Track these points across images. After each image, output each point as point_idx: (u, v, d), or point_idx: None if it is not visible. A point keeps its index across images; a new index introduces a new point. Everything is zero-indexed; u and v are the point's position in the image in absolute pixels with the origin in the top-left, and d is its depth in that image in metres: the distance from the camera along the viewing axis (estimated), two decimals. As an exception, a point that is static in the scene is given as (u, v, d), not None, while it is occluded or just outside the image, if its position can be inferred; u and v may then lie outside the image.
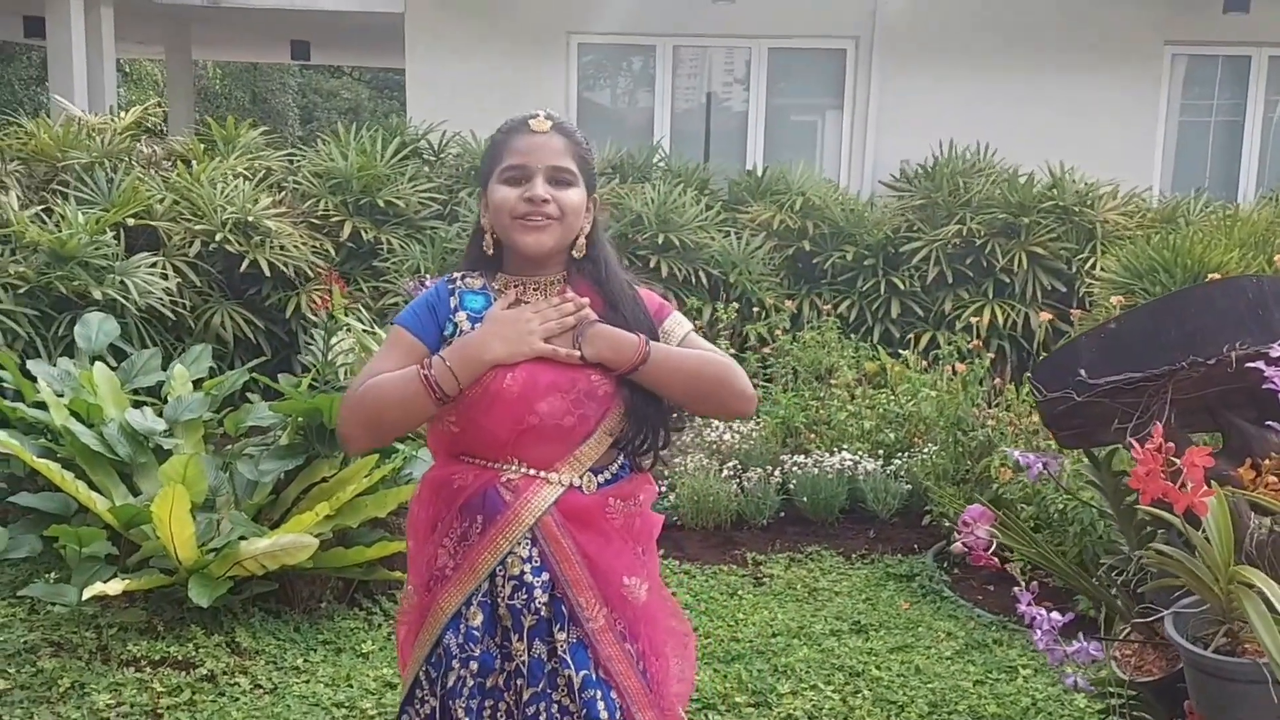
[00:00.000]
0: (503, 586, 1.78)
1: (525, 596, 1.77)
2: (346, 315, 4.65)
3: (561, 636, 1.77)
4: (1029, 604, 2.44)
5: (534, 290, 1.84)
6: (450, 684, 1.78)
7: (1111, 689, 2.21)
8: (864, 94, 8.82)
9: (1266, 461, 1.93)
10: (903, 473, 4.98)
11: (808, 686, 3.27)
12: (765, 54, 8.93)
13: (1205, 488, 1.59)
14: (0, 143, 6.57)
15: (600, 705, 1.75)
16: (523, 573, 1.77)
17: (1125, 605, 2.20)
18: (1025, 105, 8.46)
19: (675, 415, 1.88)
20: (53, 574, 3.73)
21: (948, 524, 4.36)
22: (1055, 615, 2.42)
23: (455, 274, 1.89)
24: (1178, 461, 1.65)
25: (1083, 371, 2.01)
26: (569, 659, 1.75)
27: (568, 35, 8.86)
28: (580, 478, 1.79)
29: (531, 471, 1.78)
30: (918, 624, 3.82)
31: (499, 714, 1.79)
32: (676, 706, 1.87)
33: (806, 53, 9.05)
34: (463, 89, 8.61)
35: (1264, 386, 1.79)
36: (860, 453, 5.05)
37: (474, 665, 1.78)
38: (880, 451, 5.11)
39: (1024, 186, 7.22)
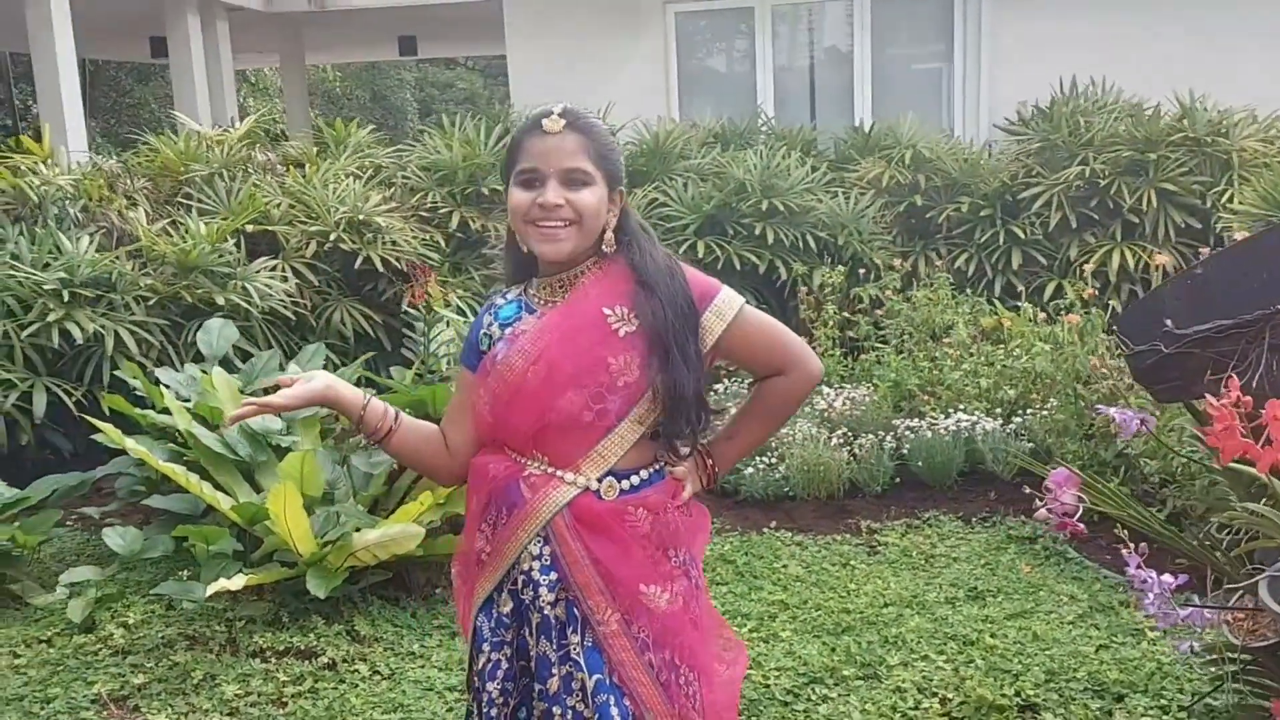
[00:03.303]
0: (516, 580, 1.81)
1: (532, 593, 1.79)
2: (446, 307, 4.74)
3: (575, 639, 1.76)
4: (1138, 566, 2.32)
5: (559, 288, 1.83)
6: (480, 665, 1.82)
7: (1224, 654, 2.08)
8: (974, 37, 8.47)
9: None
10: (1023, 431, 4.79)
11: (919, 657, 3.19)
12: (869, 4, 8.66)
13: (1293, 443, 1.46)
14: (129, 161, 6.91)
15: (614, 711, 1.73)
16: (531, 569, 1.79)
17: (1232, 566, 2.06)
18: (1150, 34, 7.97)
19: (713, 395, 1.84)
20: (185, 571, 3.92)
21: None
22: (1166, 578, 2.29)
23: (497, 293, 1.92)
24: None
25: (1169, 322, 1.88)
26: (582, 662, 1.75)
27: (664, 5, 8.78)
28: (600, 481, 1.77)
29: (551, 470, 1.79)
30: (1039, 588, 3.67)
31: (534, 695, 1.81)
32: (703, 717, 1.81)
33: (911, -1, 8.75)
34: (563, 69, 8.65)
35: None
36: (977, 412, 4.88)
37: (508, 650, 1.81)
38: (999, 410, 4.93)
39: (1150, 120, 6.82)
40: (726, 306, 1.82)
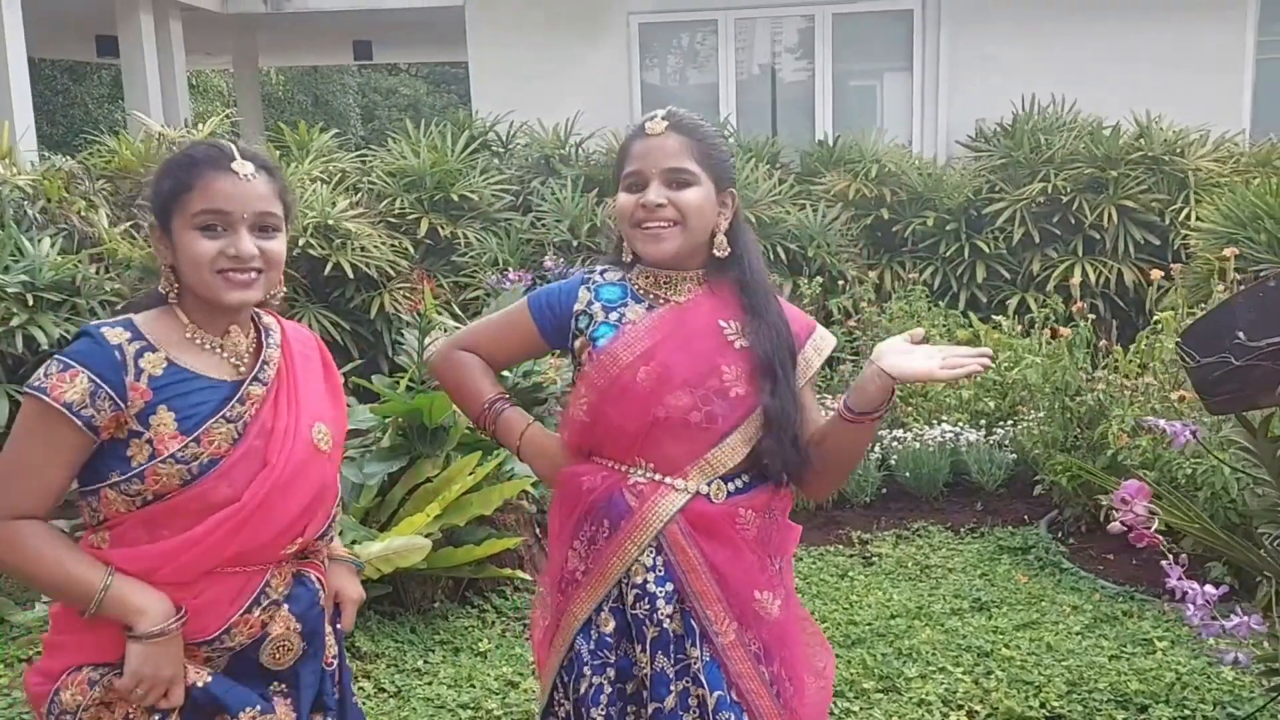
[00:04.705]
0: (627, 594, 1.74)
1: (648, 606, 1.72)
2: (439, 314, 4.66)
3: (695, 654, 1.70)
4: (1179, 578, 2.34)
5: (665, 284, 1.80)
6: (583, 691, 1.73)
7: (1278, 665, 2.10)
8: (933, 54, 8.61)
9: None
10: (1007, 442, 4.85)
11: (936, 669, 3.19)
12: (829, 20, 8.76)
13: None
14: (86, 162, 6.68)
15: None
16: (645, 581, 1.72)
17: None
18: (1104, 55, 8.17)
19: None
20: (173, 586, 3.77)
21: (1077, 496, 4.22)
22: (1209, 589, 2.32)
23: (595, 268, 1.88)
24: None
25: (1241, 334, 1.90)
26: (703, 678, 1.69)
27: (628, 15, 8.78)
28: (709, 485, 1.73)
29: (657, 476, 1.73)
30: (1040, 598, 3.71)
31: (638, 718, 1.75)
32: None
33: (871, 15, 8.86)
34: (526, 77, 8.58)
35: None
36: (960, 423, 4.93)
37: (611, 672, 1.74)
38: (981, 421, 4.99)
39: (1109, 138, 6.99)
40: (824, 343, 1.84)
